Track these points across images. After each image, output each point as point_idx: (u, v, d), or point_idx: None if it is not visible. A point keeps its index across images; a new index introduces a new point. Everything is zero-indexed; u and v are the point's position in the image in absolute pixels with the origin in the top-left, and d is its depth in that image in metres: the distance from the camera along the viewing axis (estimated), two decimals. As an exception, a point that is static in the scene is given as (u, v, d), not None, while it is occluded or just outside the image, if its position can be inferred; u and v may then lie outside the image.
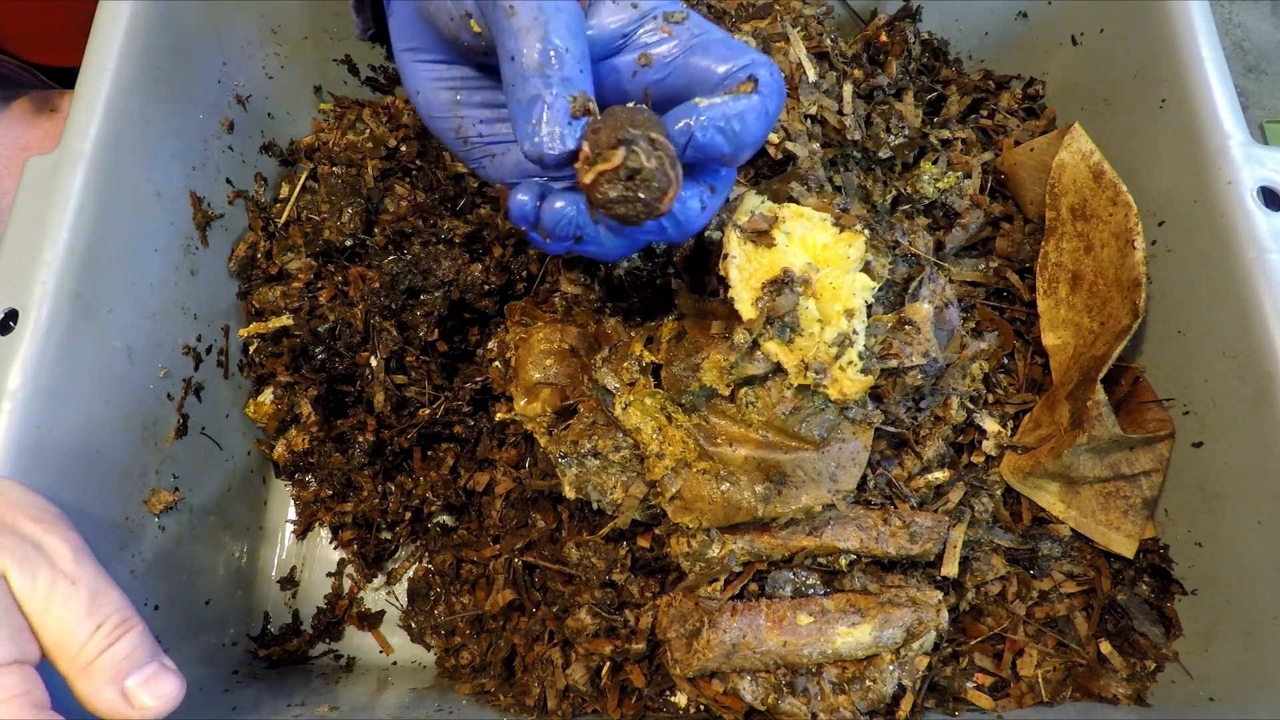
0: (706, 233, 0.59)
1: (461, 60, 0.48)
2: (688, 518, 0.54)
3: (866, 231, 0.54)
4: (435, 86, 0.49)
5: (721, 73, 0.42)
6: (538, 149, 0.38)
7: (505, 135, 0.50)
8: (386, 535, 0.72)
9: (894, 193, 0.68)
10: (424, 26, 0.47)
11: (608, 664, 0.60)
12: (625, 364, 0.56)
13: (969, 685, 0.59)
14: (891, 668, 0.54)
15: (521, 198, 0.44)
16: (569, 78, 0.38)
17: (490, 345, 0.67)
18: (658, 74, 0.44)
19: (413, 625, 0.69)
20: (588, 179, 0.38)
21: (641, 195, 0.38)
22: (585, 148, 0.38)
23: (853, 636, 0.54)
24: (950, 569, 0.58)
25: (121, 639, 0.40)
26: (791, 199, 0.58)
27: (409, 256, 0.67)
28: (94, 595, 0.40)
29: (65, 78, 0.85)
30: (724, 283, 0.51)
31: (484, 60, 0.47)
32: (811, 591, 0.56)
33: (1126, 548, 0.60)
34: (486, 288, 0.66)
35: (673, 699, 0.59)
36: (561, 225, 0.43)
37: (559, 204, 0.42)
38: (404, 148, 0.75)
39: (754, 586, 0.57)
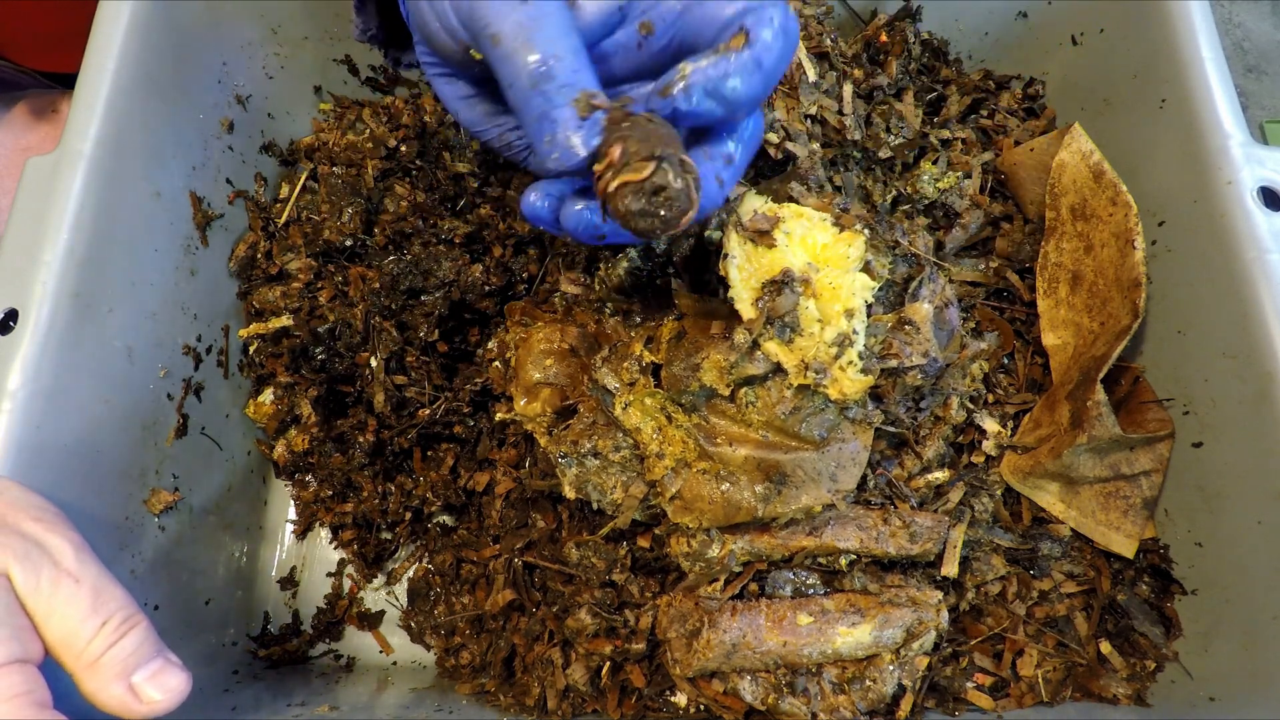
0: (706, 233, 0.59)
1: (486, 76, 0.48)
2: (688, 518, 0.54)
3: (866, 231, 0.54)
4: (469, 104, 0.49)
5: (720, 22, 0.40)
6: (558, 164, 0.38)
7: None
8: (386, 535, 0.72)
9: (894, 193, 0.68)
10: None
11: (608, 664, 0.60)
12: (625, 364, 0.56)
13: (969, 685, 0.59)
14: (891, 668, 0.54)
15: (533, 199, 0.44)
16: (567, 83, 0.38)
17: (490, 345, 0.67)
18: (662, 39, 0.42)
19: (413, 625, 0.69)
20: (611, 186, 0.37)
21: (662, 213, 0.37)
22: (615, 152, 0.37)
23: (853, 636, 0.54)
24: (950, 569, 0.58)
25: (126, 635, 0.40)
26: (791, 199, 0.58)
27: (409, 256, 0.67)
28: (97, 593, 0.40)
29: (64, 83, 0.85)
30: (724, 283, 0.52)
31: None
32: (811, 591, 0.56)
33: (1126, 548, 0.60)
34: (486, 288, 0.66)
35: (673, 699, 0.59)
36: (584, 229, 0.43)
37: (578, 207, 0.43)
38: (404, 148, 0.75)
39: (754, 586, 0.57)
